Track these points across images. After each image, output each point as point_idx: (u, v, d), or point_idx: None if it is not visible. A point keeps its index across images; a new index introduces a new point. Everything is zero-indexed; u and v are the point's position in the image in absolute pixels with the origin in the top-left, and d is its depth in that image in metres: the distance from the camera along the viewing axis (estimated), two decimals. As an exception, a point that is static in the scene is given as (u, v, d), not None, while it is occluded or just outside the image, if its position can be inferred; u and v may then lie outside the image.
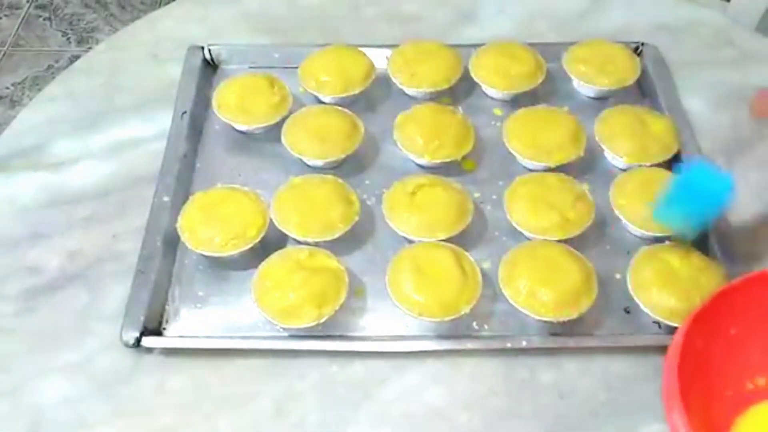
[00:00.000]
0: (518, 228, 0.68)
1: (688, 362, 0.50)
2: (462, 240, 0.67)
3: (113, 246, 0.69)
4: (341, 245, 0.67)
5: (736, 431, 0.54)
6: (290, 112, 0.77)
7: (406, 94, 0.81)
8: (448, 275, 0.62)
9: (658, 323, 0.63)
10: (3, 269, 0.68)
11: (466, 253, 0.65)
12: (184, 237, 0.66)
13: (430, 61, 0.80)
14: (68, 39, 1.94)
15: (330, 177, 0.71)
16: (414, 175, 0.71)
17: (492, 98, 0.82)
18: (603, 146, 0.74)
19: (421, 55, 0.81)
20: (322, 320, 0.61)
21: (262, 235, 0.66)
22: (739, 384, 0.56)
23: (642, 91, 0.82)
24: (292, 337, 0.63)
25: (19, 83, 1.82)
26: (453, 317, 0.61)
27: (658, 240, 0.67)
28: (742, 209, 0.71)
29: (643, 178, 0.70)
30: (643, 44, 0.85)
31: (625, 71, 0.80)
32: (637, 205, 0.68)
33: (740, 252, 0.67)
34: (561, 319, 0.61)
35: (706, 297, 0.53)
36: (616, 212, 0.69)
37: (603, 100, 0.81)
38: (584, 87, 0.81)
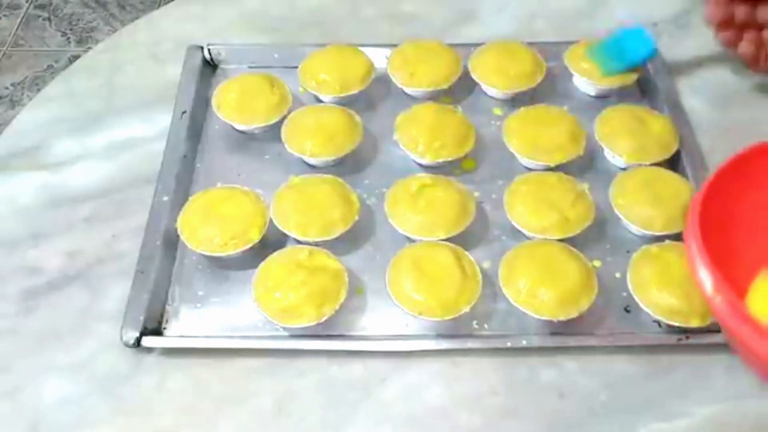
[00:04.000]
0: (518, 227, 0.68)
1: (711, 215, 0.47)
2: (462, 239, 0.67)
3: (113, 246, 0.69)
4: (341, 245, 0.67)
5: (755, 286, 0.50)
6: (290, 112, 0.77)
7: (406, 94, 0.81)
8: (449, 275, 0.62)
9: (659, 322, 0.63)
10: (3, 269, 0.68)
11: (466, 253, 0.65)
12: (184, 237, 0.66)
13: (429, 61, 0.80)
14: (68, 39, 1.94)
15: (330, 176, 0.71)
16: (417, 175, 0.71)
17: (492, 98, 0.82)
18: (603, 145, 0.74)
19: (420, 54, 0.81)
20: (322, 320, 0.61)
21: (262, 235, 0.66)
22: (765, 247, 0.51)
23: (642, 91, 0.82)
24: (292, 336, 0.63)
25: (18, 83, 1.82)
26: (453, 316, 0.61)
27: (658, 239, 0.67)
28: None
29: (643, 178, 0.70)
30: (642, 43, 0.85)
31: None
32: (636, 205, 0.68)
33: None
34: (561, 319, 0.61)
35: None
36: (616, 212, 0.69)
37: (603, 99, 0.81)
38: (586, 85, 0.81)
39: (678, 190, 0.69)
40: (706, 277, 0.43)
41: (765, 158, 0.51)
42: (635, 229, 0.68)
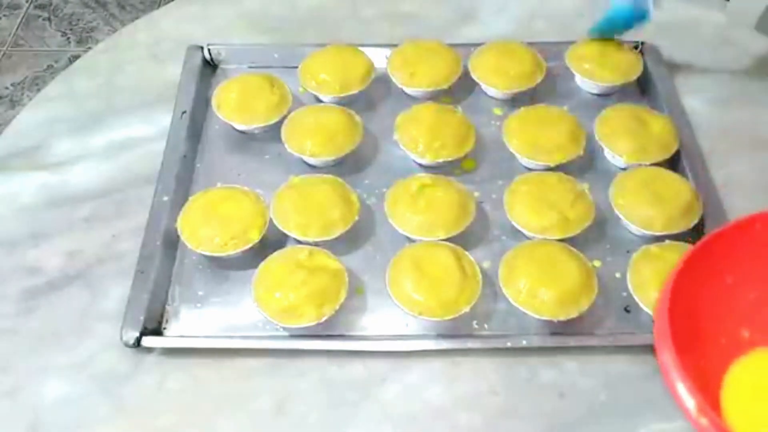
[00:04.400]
0: (518, 227, 0.68)
1: (680, 306, 0.48)
2: (462, 239, 0.67)
3: (113, 246, 0.69)
4: (341, 245, 0.67)
5: (730, 378, 0.52)
6: (290, 112, 0.77)
7: (406, 94, 0.81)
8: (449, 274, 0.62)
9: (658, 322, 0.63)
10: (3, 269, 0.68)
11: (466, 253, 0.65)
12: (184, 237, 0.66)
13: (429, 61, 0.80)
14: (68, 39, 1.94)
15: (330, 176, 0.71)
16: (418, 175, 0.71)
17: (492, 98, 0.82)
18: (603, 145, 0.74)
19: (420, 54, 0.81)
20: (322, 320, 0.61)
21: (262, 235, 0.66)
22: (735, 331, 0.53)
23: (642, 91, 0.83)
24: (292, 336, 0.63)
25: (18, 83, 1.82)
26: (453, 316, 0.61)
27: (658, 239, 0.67)
28: (739, 210, 0.71)
29: (643, 178, 0.70)
30: (642, 43, 0.85)
31: (628, 67, 0.80)
32: (637, 205, 0.68)
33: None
34: (561, 319, 0.61)
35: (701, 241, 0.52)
36: (616, 211, 0.69)
37: (603, 98, 0.82)
38: (587, 83, 0.81)
39: (678, 190, 0.69)
40: (687, 398, 0.44)
41: (726, 244, 0.52)
42: (635, 229, 0.68)
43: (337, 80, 0.79)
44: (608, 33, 0.81)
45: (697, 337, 0.49)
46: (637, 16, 0.77)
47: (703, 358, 0.49)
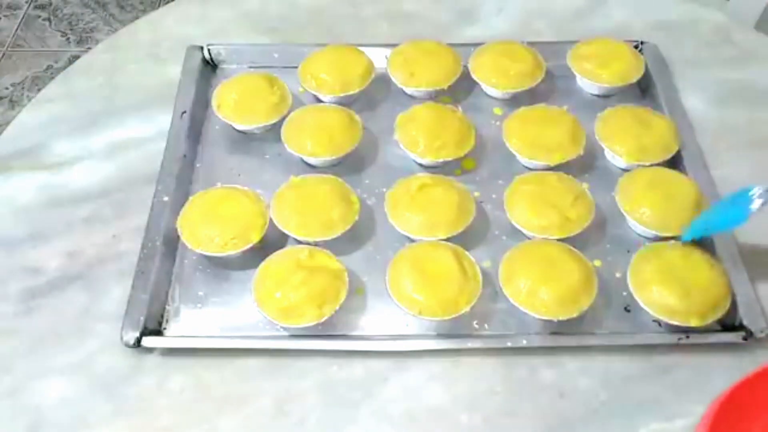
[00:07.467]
0: (518, 227, 0.68)
1: None
2: (462, 239, 0.67)
3: (113, 246, 0.69)
4: (341, 245, 0.67)
5: None
6: (290, 112, 0.77)
7: (406, 94, 0.81)
8: (449, 274, 0.62)
9: (659, 322, 0.63)
10: (3, 269, 0.68)
11: (466, 252, 0.65)
12: (184, 237, 0.66)
13: (429, 61, 0.80)
14: (68, 39, 1.94)
15: (330, 176, 0.71)
16: (417, 175, 0.71)
17: (492, 97, 0.82)
18: (603, 145, 0.74)
19: (420, 54, 0.81)
20: (323, 320, 0.61)
21: (262, 235, 0.66)
22: None
23: (642, 90, 0.82)
24: (293, 336, 0.63)
25: (18, 83, 1.82)
26: (453, 316, 0.61)
27: (664, 239, 0.67)
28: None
29: (649, 178, 0.70)
30: (642, 43, 0.85)
31: (629, 68, 0.80)
32: (643, 205, 0.68)
33: (740, 250, 0.67)
34: (561, 318, 0.61)
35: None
36: (623, 211, 0.68)
37: (603, 98, 0.81)
38: (588, 84, 0.81)
39: (683, 190, 0.68)
40: None
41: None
42: (643, 230, 0.68)
43: (337, 80, 0.79)
44: (704, 235, 0.67)
45: None
46: (736, 221, 0.63)
47: None
